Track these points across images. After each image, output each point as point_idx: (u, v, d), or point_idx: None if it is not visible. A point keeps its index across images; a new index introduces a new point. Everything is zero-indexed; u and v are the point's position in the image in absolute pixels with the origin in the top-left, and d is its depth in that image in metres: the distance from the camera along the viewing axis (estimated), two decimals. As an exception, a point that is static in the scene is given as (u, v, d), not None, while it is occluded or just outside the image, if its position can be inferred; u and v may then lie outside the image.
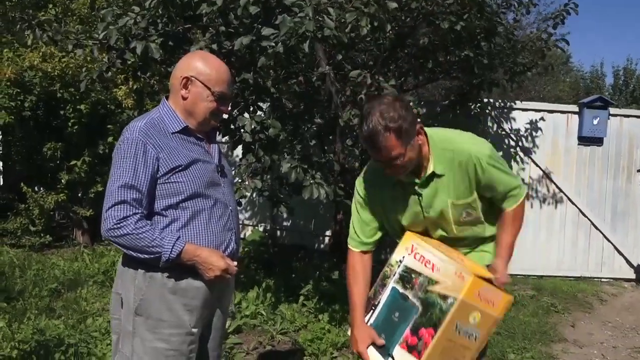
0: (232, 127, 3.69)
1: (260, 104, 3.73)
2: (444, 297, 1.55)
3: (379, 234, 1.90)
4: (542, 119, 5.62)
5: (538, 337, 3.88)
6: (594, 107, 5.51)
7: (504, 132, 5.66)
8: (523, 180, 5.61)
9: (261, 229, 6.40)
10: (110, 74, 3.60)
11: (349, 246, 1.92)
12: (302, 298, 4.03)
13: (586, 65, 26.97)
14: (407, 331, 1.61)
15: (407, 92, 5.15)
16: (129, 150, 1.56)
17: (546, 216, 5.64)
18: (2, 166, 7.09)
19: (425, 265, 1.65)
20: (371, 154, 1.71)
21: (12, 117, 5.44)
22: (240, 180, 3.52)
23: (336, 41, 2.95)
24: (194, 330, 1.66)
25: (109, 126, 5.60)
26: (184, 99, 1.67)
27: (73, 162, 5.59)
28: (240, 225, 6.44)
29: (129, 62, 3.54)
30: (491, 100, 5.63)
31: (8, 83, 5.36)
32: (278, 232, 6.45)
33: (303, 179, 3.23)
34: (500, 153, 5.32)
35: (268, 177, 3.90)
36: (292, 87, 4.02)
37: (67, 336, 3.14)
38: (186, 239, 1.59)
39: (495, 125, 5.67)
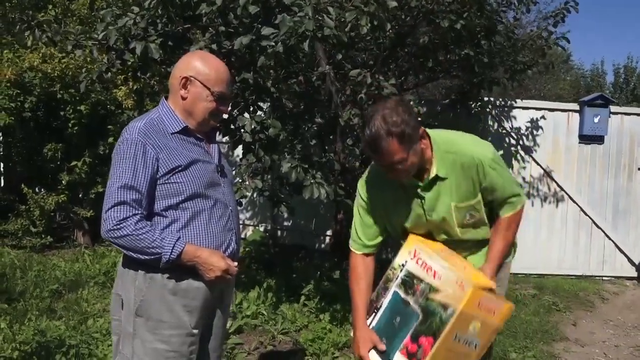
0: (232, 127, 3.68)
1: (261, 103, 3.73)
2: (444, 307, 1.54)
3: (381, 237, 1.89)
4: (542, 117, 5.61)
5: (540, 336, 3.87)
6: (594, 105, 5.50)
7: (504, 131, 5.65)
8: (524, 178, 5.61)
9: (262, 229, 6.40)
10: (110, 74, 3.59)
11: (351, 248, 1.91)
12: (303, 298, 4.03)
13: (587, 64, 27.00)
14: (408, 338, 1.61)
15: (408, 91, 5.14)
16: (129, 150, 1.55)
17: (547, 215, 5.63)
18: (3, 167, 7.09)
19: (427, 271, 1.63)
20: (373, 159, 1.71)
21: (13, 118, 5.44)
22: (240, 180, 3.51)
23: (336, 40, 2.94)
24: (195, 331, 1.65)
25: (109, 127, 5.60)
26: (184, 99, 1.66)
27: (73, 163, 5.59)
28: (241, 225, 6.44)
29: (129, 63, 3.54)
30: (492, 99, 5.63)
31: (8, 84, 5.36)
32: (279, 232, 6.44)
33: (303, 179, 3.23)
34: (501, 152, 5.32)
35: (268, 177, 3.89)
36: (292, 87, 4.02)
37: (68, 337, 3.14)
38: (186, 240, 1.59)
39: (495, 124, 5.67)
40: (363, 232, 1.87)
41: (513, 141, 5.63)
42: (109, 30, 3.25)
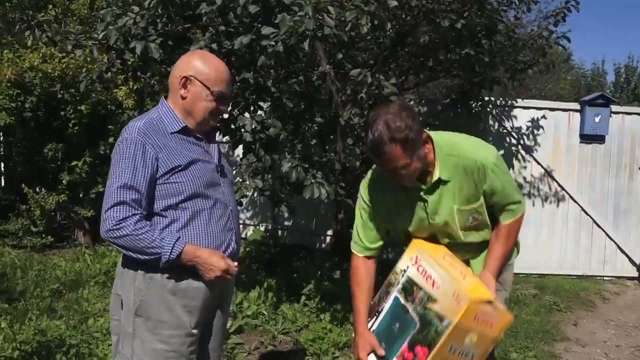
0: (232, 126, 3.68)
1: (261, 103, 3.73)
2: (440, 318, 1.52)
3: (383, 240, 1.87)
4: (543, 117, 5.60)
5: (540, 336, 3.87)
6: (595, 105, 5.49)
7: (505, 131, 5.64)
8: (525, 178, 5.60)
9: (262, 228, 6.40)
10: (110, 74, 3.59)
11: (353, 250, 1.89)
12: (303, 298, 4.02)
13: (587, 63, 26.97)
14: (405, 345, 1.60)
15: (408, 91, 5.14)
16: (128, 150, 1.55)
17: (548, 214, 5.63)
18: (3, 167, 7.10)
19: (426, 280, 1.62)
20: (376, 163, 1.69)
21: (13, 118, 5.44)
22: (241, 180, 3.51)
23: (336, 40, 2.93)
24: (194, 331, 1.65)
25: (109, 127, 5.60)
26: (183, 98, 1.66)
27: (74, 163, 5.59)
28: (242, 225, 6.44)
29: (129, 63, 3.53)
30: (492, 99, 5.62)
31: (8, 84, 5.36)
32: (279, 232, 6.44)
33: (304, 179, 3.22)
34: (502, 152, 5.31)
35: (269, 176, 3.89)
36: (292, 87, 4.02)
37: (68, 337, 3.14)
38: (186, 240, 1.58)
39: (496, 124, 5.66)
40: (365, 234, 1.85)
41: (514, 141, 5.62)
42: (109, 30, 3.24)
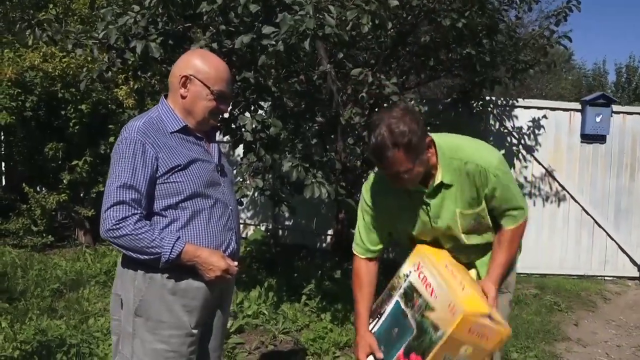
0: (233, 126, 3.67)
1: (261, 102, 3.72)
2: (435, 328, 1.52)
3: (385, 242, 1.86)
4: (544, 116, 5.59)
5: (541, 336, 3.86)
6: (596, 105, 5.48)
7: (506, 130, 5.63)
8: (525, 178, 5.60)
9: (263, 228, 6.40)
10: (110, 73, 3.59)
11: (355, 252, 1.88)
12: (304, 297, 4.02)
13: (588, 63, 26.90)
14: (401, 351, 1.61)
15: (409, 91, 5.13)
16: (128, 149, 1.54)
17: (549, 214, 5.62)
18: (4, 166, 7.10)
19: (426, 287, 1.61)
20: (378, 167, 1.68)
21: (14, 118, 5.45)
22: (241, 180, 3.51)
23: (337, 39, 2.93)
24: (194, 331, 1.64)
25: (110, 126, 5.60)
26: (183, 97, 1.65)
27: (74, 162, 5.59)
28: (242, 225, 6.44)
29: (130, 62, 3.53)
30: (493, 98, 5.61)
31: (9, 83, 5.36)
32: (280, 232, 6.44)
33: (304, 178, 3.22)
34: (503, 151, 5.26)
35: (269, 176, 3.89)
36: (293, 86, 4.01)
37: (69, 336, 3.14)
38: (186, 240, 1.58)
39: (497, 123, 5.65)
40: (367, 236, 1.84)
41: (515, 140, 5.62)
42: (109, 29, 3.24)
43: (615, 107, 5.60)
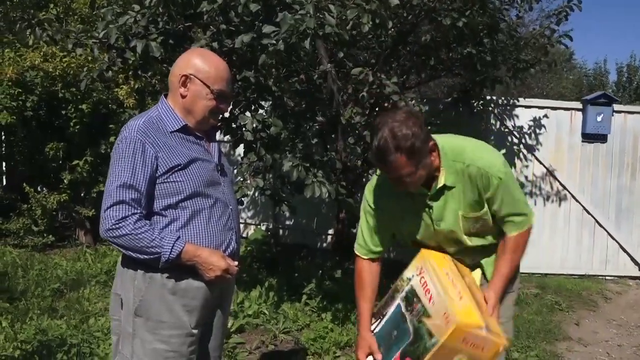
0: (233, 125, 3.67)
1: (262, 102, 3.72)
2: (430, 335, 1.51)
3: (388, 243, 1.85)
4: (545, 116, 5.58)
5: (542, 335, 3.86)
6: (597, 104, 5.47)
7: (507, 130, 5.62)
8: (526, 177, 5.59)
9: (263, 228, 6.39)
10: (110, 73, 3.58)
11: (357, 252, 1.87)
12: (304, 297, 4.02)
13: (589, 63, 26.90)
14: (398, 354, 1.61)
15: (410, 90, 5.12)
16: (128, 149, 1.54)
17: (550, 214, 5.61)
18: (5, 166, 7.10)
19: (425, 293, 1.61)
20: (380, 170, 1.67)
21: (14, 117, 5.45)
22: (242, 179, 3.50)
23: (337, 38, 2.93)
24: (194, 331, 1.64)
25: (110, 126, 5.60)
26: (183, 97, 1.65)
27: (75, 162, 5.59)
28: (243, 225, 6.44)
29: (130, 61, 3.53)
30: (494, 98, 5.60)
31: (10, 83, 5.36)
32: (280, 231, 6.44)
33: (305, 178, 3.21)
34: (503, 151, 5.29)
35: (270, 175, 3.88)
36: (293, 85, 4.01)
37: (69, 336, 3.14)
38: (186, 239, 1.57)
39: (498, 123, 5.64)
40: (370, 238, 1.83)
41: (515, 140, 5.61)
42: (109, 28, 3.24)
43: (616, 107, 5.59)
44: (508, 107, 5.64)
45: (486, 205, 1.69)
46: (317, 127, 4.32)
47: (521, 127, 5.59)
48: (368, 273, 1.84)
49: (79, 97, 5.44)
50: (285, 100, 3.68)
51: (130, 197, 1.51)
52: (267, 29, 2.87)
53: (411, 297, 1.66)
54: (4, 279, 4.26)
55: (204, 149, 1.70)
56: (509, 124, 5.62)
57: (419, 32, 4.39)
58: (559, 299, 4.73)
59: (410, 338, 1.58)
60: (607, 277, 5.64)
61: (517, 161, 5.56)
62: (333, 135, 4.31)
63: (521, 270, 1.94)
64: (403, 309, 1.67)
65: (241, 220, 6.34)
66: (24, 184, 5.54)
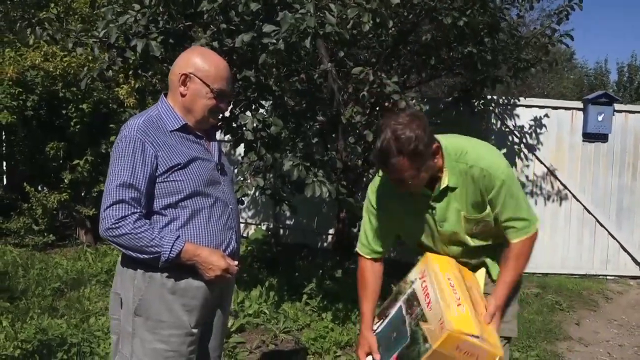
0: (234, 125, 3.67)
1: (262, 101, 3.72)
2: (425, 340, 1.51)
3: (390, 243, 1.85)
4: (546, 115, 5.58)
5: (543, 335, 3.85)
6: (598, 104, 5.47)
7: (507, 129, 5.62)
8: (527, 177, 5.58)
9: (264, 227, 6.39)
10: (111, 72, 3.58)
11: (360, 252, 1.86)
12: (305, 297, 4.01)
13: (590, 62, 26.87)
14: (394, 356, 1.61)
15: (410, 89, 5.11)
16: (127, 148, 1.54)
17: (550, 213, 5.60)
18: (5, 166, 7.11)
19: (425, 297, 1.61)
20: (383, 172, 1.66)
21: (15, 117, 5.45)
22: (242, 179, 3.50)
23: (338, 38, 2.92)
24: (194, 330, 1.63)
25: (111, 125, 5.59)
26: (183, 96, 1.65)
27: (76, 162, 5.59)
28: (243, 224, 6.44)
29: (130, 61, 3.53)
30: (495, 97, 5.60)
31: (10, 82, 5.36)
32: (281, 231, 6.43)
33: (305, 177, 3.21)
34: (504, 150, 5.29)
35: (270, 175, 3.88)
36: (294, 85, 4.01)
37: (69, 335, 3.14)
38: (186, 239, 1.57)
39: (498, 122, 5.64)
40: (373, 237, 1.82)
41: (516, 139, 5.60)
42: (110, 27, 3.24)
43: (617, 106, 5.58)
44: (509, 107, 5.64)
45: (488, 208, 1.68)
46: (317, 126, 4.31)
47: (522, 127, 5.59)
48: (370, 273, 1.84)
49: (79, 96, 5.44)
50: (286, 100, 3.68)
51: (130, 197, 1.51)
52: (268, 28, 2.86)
53: (412, 300, 1.66)
54: (5, 278, 4.26)
55: (204, 148, 1.70)
56: (510, 123, 5.62)
57: (419, 32, 4.39)
58: (560, 299, 4.72)
59: (407, 341, 1.58)
60: (607, 277, 5.63)
61: (517, 161, 5.56)
62: (333, 135, 4.30)
63: (522, 271, 1.93)
64: (404, 312, 1.67)
65: (242, 220, 6.34)
66: (25, 184, 5.54)
